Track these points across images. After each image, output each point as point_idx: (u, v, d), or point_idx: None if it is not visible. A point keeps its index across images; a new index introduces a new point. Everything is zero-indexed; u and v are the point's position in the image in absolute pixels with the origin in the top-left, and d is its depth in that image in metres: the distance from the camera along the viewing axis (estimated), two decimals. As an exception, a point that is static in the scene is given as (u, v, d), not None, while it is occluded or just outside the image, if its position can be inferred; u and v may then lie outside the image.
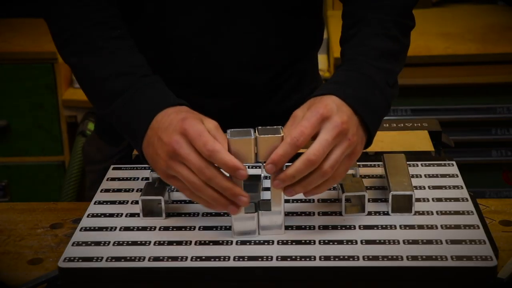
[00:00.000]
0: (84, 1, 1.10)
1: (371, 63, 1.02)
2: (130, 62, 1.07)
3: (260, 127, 0.92)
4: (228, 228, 0.96)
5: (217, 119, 0.98)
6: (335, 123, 0.91)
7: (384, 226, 0.96)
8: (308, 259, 0.89)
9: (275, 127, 0.92)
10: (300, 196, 1.04)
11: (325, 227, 0.96)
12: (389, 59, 1.04)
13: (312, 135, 0.91)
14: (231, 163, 0.89)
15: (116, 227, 0.98)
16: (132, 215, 1.01)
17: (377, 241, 0.92)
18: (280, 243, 0.93)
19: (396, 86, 1.06)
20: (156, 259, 0.90)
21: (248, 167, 1.03)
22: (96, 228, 0.98)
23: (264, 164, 0.92)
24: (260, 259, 0.89)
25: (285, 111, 1.29)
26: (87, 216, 1.01)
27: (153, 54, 1.24)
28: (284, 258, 0.89)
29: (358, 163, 1.12)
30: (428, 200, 1.02)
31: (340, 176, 0.93)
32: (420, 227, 0.95)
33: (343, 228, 0.96)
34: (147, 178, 1.10)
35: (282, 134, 0.91)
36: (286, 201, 1.01)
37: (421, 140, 1.22)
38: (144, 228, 0.97)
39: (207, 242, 0.93)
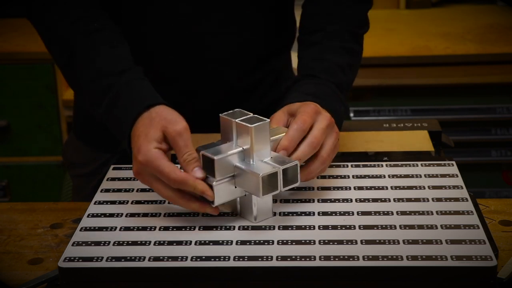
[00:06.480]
0: None
1: (333, 81, 1.17)
2: (110, 58, 1.11)
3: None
4: (228, 228, 0.97)
5: (197, 119, 1.02)
6: (326, 116, 1.04)
7: (384, 226, 0.96)
8: (308, 259, 0.89)
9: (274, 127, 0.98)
10: (300, 196, 1.04)
11: (325, 227, 0.96)
12: (345, 71, 1.20)
13: (311, 124, 1.02)
14: (200, 188, 0.95)
15: (116, 227, 0.98)
16: (132, 215, 1.01)
17: (377, 241, 0.92)
18: (280, 243, 0.93)
19: (349, 89, 1.23)
20: (156, 259, 0.90)
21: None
22: (96, 228, 0.98)
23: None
24: (260, 259, 0.89)
25: (263, 109, 1.31)
26: (87, 216, 1.01)
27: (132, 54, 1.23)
28: (284, 258, 0.89)
29: (358, 163, 1.13)
30: (428, 200, 1.02)
31: (330, 162, 1.05)
32: (420, 227, 0.95)
33: (343, 228, 0.96)
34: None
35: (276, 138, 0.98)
36: (286, 201, 1.02)
37: (421, 140, 1.23)
38: (144, 228, 0.97)
39: (207, 242, 0.93)
